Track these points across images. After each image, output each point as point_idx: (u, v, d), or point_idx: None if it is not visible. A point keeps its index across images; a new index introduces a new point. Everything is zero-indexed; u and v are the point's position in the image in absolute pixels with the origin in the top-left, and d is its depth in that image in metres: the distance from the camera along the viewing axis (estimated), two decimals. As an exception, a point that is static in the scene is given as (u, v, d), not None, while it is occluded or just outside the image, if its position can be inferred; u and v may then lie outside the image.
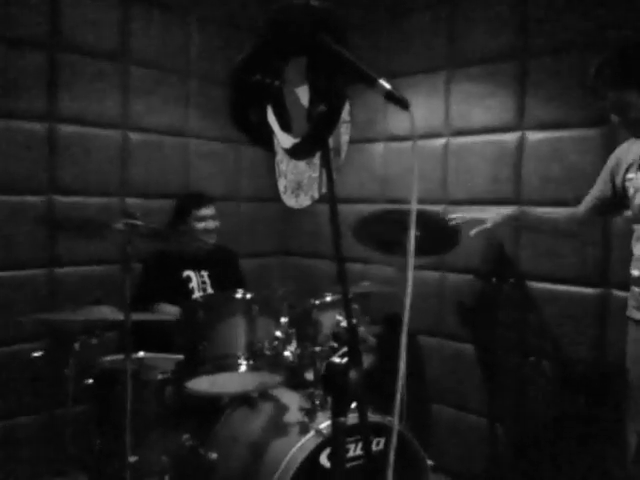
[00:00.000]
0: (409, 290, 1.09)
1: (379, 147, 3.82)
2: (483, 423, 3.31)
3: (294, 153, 1.22)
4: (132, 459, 2.27)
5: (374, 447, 2.28)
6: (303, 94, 1.17)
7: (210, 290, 3.33)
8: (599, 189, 2.45)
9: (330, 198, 1.23)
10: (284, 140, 1.19)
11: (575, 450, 2.94)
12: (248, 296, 2.44)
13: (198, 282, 3.31)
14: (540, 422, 3.11)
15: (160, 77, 3.65)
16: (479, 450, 3.33)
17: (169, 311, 3.03)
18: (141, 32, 3.54)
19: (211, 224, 3.33)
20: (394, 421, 1.12)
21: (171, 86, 3.71)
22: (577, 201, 2.60)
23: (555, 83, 3.00)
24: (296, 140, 1.19)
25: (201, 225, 3.30)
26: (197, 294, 3.27)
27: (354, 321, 1.26)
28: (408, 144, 3.63)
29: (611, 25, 2.79)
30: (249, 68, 1.15)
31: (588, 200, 2.51)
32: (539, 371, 3.09)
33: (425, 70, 3.55)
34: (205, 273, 3.35)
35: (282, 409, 2.49)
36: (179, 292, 3.18)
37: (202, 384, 2.37)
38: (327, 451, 2.16)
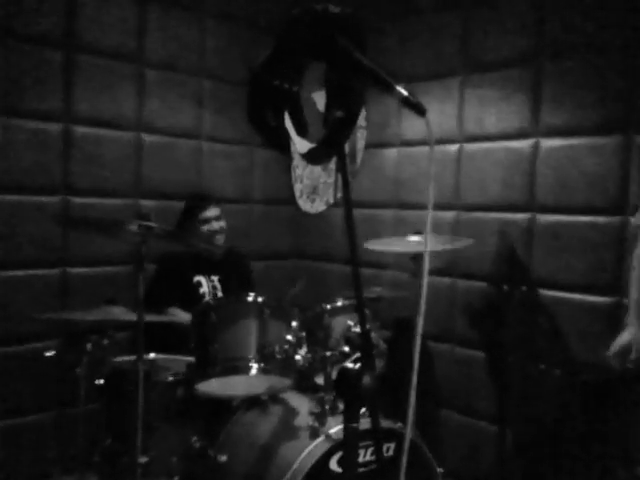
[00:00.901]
0: (423, 299, 1.08)
1: (392, 152, 3.81)
2: (493, 430, 3.29)
3: (310, 158, 1.22)
4: (142, 459, 2.27)
5: (384, 453, 2.27)
6: (320, 99, 1.17)
7: (221, 295, 3.32)
8: None
9: (346, 203, 1.23)
10: (301, 145, 1.19)
11: (585, 457, 2.92)
12: (260, 299, 2.44)
13: (209, 287, 3.29)
14: (550, 429, 3.09)
15: (174, 78, 3.66)
16: (488, 456, 3.31)
17: (181, 317, 3.01)
18: (156, 32, 3.55)
19: (215, 225, 3.29)
20: (407, 428, 1.12)
21: (185, 87, 3.73)
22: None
23: (570, 90, 2.98)
24: (313, 145, 1.19)
25: (205, 228, 3.27)
26: (207, 299, 3.24)
27: (367, 326, 1.26)
28: (421, 149, 3.62)
29: (627, 29, 2.78)
30: (268, 72, 1.15)
31: None
32: (549, 378, 3.07)
33: (438, 75, 3.54)
34: (216, 278, 3.33)
35: (292, 413, 2.48)
36: (190, 297, 3.17)
37: (212, 386, 2.37)
38: (337, 456, 2.15)
